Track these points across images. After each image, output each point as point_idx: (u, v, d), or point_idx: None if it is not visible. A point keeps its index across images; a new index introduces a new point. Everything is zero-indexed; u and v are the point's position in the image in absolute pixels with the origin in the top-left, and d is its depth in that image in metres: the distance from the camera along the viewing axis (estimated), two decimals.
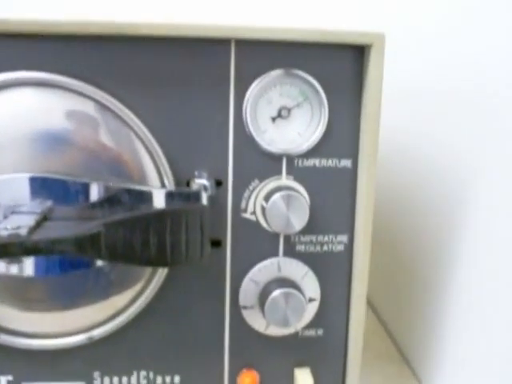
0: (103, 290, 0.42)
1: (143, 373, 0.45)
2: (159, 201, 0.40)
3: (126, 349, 0.44)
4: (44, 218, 0.38)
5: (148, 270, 0.42)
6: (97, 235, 0.36)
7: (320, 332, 0.46)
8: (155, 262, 0.37)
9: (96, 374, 0.45)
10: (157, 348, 0.45)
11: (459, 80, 0.50)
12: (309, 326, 0.45)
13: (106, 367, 0.45)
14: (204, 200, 0.40)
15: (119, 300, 0.43)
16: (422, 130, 0.57)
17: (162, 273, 0.43)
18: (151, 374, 0.45)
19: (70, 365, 0.44)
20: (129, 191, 0.40)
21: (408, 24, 0.61)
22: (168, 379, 0.45)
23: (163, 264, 0.37)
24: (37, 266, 0.40)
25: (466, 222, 0.48)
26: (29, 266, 0.39)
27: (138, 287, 0.43)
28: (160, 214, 0.36)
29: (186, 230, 0.37)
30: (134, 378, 0.45)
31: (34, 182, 0.39)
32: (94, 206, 0.40)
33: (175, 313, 0.44)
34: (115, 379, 0.45)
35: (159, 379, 0.45)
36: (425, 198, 0.56)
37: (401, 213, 0.63)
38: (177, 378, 0.45)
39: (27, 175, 0.38)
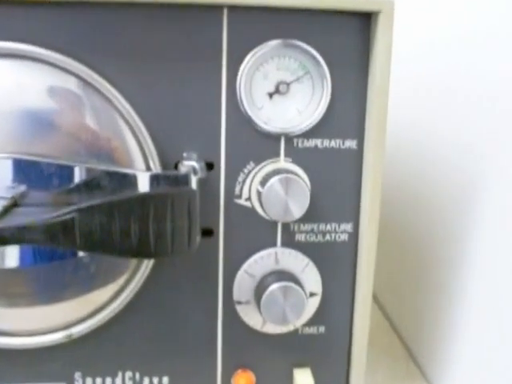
0: (82, 283, 0.38)
1: (129, 373, 0.41)
2: (143, 185, 0.36)
3: (109, 348, 0.41)
4: (14, 204, 0.34)
5: (132, 261, 0.39)
6: (70, 222, 0.32)
7: (322, 329, 0.42)
8: (137, 253, 0.33)
9: (77, 375, 0.41)
10: (143, 347, 0.41)
11: (472, 64, 0.45)
12: (309, 323, 0.42)
13: (88, 367, 0.41)
14: (193, 184, 0.36)
15: (100, 295, 0.39)
16: (429, 121, 0.53)
17: (147, 265, 0.39)
18: (137, 375, 0.41)
19: (50, 365, 0.41)
20: (109, 174, 0.36)
21: None
22: (156, 380, 0.42)
23: (146, 255, 0.33)
24: (9, 257, 0.36)
25: (479, 215, 0.44)
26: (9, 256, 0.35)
27: (121, 281, 0.39)
28: (142, 199, 0.32)
29: (172, 217, 0.33)
30: (118, 380, 0.41)
31: (5, 163, 0.35)
32: (71, 190, 0.36)
33: (162, 309, 0.40)
34: (98, 380, 0.41)
35: (146, 380, 0.42)
36: (434, 189, 0.52)
37: (408, 205, 0.59)
38: (165, 380, 0.42)
39: None
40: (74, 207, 0.32)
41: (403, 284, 0.60)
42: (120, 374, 0.41)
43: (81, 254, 0.37)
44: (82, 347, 0.40)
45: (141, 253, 0.33)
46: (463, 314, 0.46)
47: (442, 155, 0.51)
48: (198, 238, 0.36)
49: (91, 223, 0.32)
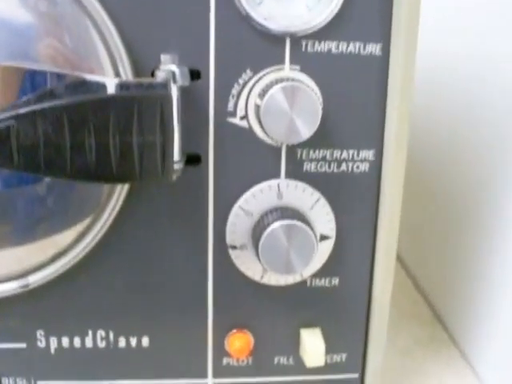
0: (38, 221, 0.31)
1: (101, 332, 0.34)
2: None
3: (76, 301, 0.34)
4: None
5: (100, 191, 0.31)
6: (4, 132, 0.24)
7: (335, 281, 0.34)
8: (94, 175, 0.25)
9: (39, 334, 0.34)
10: (117, 301, 0.34)
11: None
12: (320, 274, 0.34)
13: (51, 325, 0.34)
14: (173, 94, 0.28)
15: (61, 235, 0.31)
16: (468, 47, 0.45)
17: (118, 198, 0.31)
18: (111, 335, 0.34)
19: (6, 322, 0.34)
20: (66, 82, 0.28)
21: None
22: (133, 341, 0.35)
23: (106, 178, 0.26)
24: None
25: None
26: None
27: (86, 220, 0.31)
28: (99, 103, 0.25)
29: (140, 129, 0.25)
30: (88, 339, 0.34)
31: None
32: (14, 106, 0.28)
33: (139, 254, 0.33)
34: (65, 340, 0.34)
35: (122, 341, 0.34)
36: (471, 132, 0.44)
37: (440, 150, 0.51)
38: (145, 340, 0.35)
39: None
40: (12, 112, 0.24)
41: (430, 240, 0.52)
42: (90, 333, 0.34)
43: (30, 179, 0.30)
44: (44, 301, 0.33)
45: (99, 175, 0.25)
46: (497, 273, 0.39)
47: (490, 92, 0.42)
48: (179, 165, 0.28)
49: (33, 134, 0.24)
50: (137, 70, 0.30)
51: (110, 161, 0.25)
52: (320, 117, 0.29)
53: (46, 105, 0.24)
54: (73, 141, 0.24)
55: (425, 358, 0.45)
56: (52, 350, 0.34)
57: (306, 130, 0.29)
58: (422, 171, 0.54)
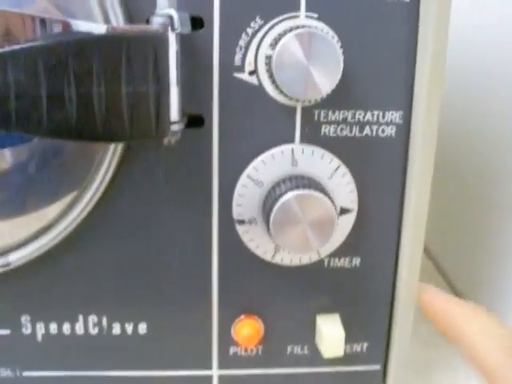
0: (18, 192, 0.27)
1: (93, 318, 0.31)
2: None
3: (64, 283, 0.30)
4: None
5: (89, 156, 0.27)
6: None
7: (356, 262, 0.31)
8: (75, 132, 0.21)
9: (24, 319, 0.30)
10: (110, 282, 0.30)
11: None
12: (339, 253, 0.30)
13: (38, 309, 0.30)
14: (172, 43, 0.24)
15: (47, 209, 0.28)
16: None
17: (108, 165, 0.27)
18: (104, 320, 0.31)
19: None
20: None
21: None
22: (129, 327, 0.31)
23: (89, 136, 0.22)
24: None
25: None
26: None
27: (73, 192, 0.27)
28: (81, 45, 0.21)
29: (128, 77, 0.21)
30: (79, 326, 0.31)
31: None
32: None
33: (134, 230, 0.29)
34: (52, 326, 0.31)
35: (116, 327, 0.31)
36: (503, 120, 0.40)
37: (470, 132, 0.46)
38: (142, 327, 0.31)
39: None
40: None
41: (455, 227, 0.48)
42: (81, 319, 0.31)
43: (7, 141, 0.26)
44: (28, 282, 0.30)
45: (80, 132, 0.21)
46: None
47: None
48: (178, 126, 0.25)
49: (2, 82, 0.20)
50: (130, 18, 0.26)
51: (93, 115, 0.21)
52: (341, 68, 0.25)
53: (16, 47, 0.20)
54: (50, 91, 0.20)
55: (450, 349, 0.41)
56: (39, 338, 0.31)
57: (325, 84, 0.25)
58: (450, 159, 0.49)
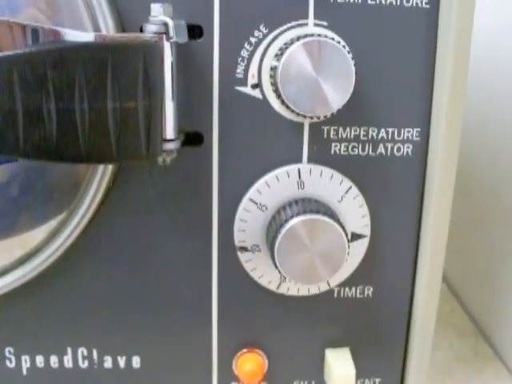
0: (1, 216, 0.25)
1: (82, 350, 0.28)
2: None
3: (51, 313, 0.28)
4: None
5: (76, 178, 0.25)
6: None
7: (369, 292, 0.28)
8: (55, 153, 0.19)
9: (8, 351, 0.28)
10: (100, 312, 0.27)
11: None
12: (351, 282, 0.28)
13: (22, 341, 0.28)
14: (166, 53, 0.22)
15: (32, 233, 0.25)
16: None
17: (99, 184, 0.25)
18: (95, 353, 0.28)
19: None
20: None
21: None
22: (122, 361, 0.28)
23: (71, 157, 0.19)
24: None
25: None
26: None
27: (60, 215, 0.25)
28: (61, 54, 0.18)
29: (116, 90, 0.19)
30: (67, 359, 0.28)
31: None
32: None
33: (126, 256, 0.27)
34: (39, 359, 0.28)
35: (108, 361, 0.28)
36: None
37: (486, 151, 0.44)
38: (136, 360, 0.28)
39: None
40: None
41: (467, 243, 0.46)
42: (70, 351, 0.28)
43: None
44: (12, 312, 0.27)
45: (62, 152, 0.19)
46: None
47: None
48: (174, 145, 0.22)
49: None
50: (122, 26, 0.24)
51: (76, 134, 0.19)
52: (353, 81, 0.23)
53: None
54: (26, 106, 0.18)
55: (467, 378, 0.38)
56: (24, 371, 0.28)
57: (336, 98, 0.23)
58: (469, 176, 0.47)
